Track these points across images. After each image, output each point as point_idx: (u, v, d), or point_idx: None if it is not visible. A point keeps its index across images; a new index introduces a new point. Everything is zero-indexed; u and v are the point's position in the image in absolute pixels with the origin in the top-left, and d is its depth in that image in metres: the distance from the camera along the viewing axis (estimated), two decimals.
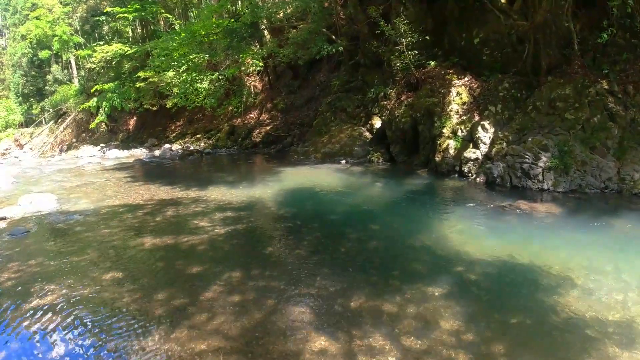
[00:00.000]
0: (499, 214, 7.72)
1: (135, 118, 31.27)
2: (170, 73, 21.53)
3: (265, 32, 22.35)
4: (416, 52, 13.45)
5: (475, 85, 12.17)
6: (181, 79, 21.07)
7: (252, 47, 21.01)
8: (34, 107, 37.56)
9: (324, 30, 16.89)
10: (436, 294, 4.85)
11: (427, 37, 13.47)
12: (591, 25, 10.40)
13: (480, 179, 10.18)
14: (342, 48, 16.49)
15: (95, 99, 28.00)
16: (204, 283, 5.50)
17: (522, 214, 7.60)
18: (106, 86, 27.15)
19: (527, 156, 9.35)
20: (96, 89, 27.44)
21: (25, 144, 33.55)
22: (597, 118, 9.35)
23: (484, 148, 10.61)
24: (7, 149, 32.48)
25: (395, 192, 10.42)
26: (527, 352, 3.74)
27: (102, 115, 28.28)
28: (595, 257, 5.67)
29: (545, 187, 8.99)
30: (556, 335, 3.95)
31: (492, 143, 10.46)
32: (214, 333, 4.29)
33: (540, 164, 9.16)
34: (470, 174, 10.53)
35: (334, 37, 16.96)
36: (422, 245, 6.50)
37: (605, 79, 9.76)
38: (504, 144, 10.09)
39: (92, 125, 29.64)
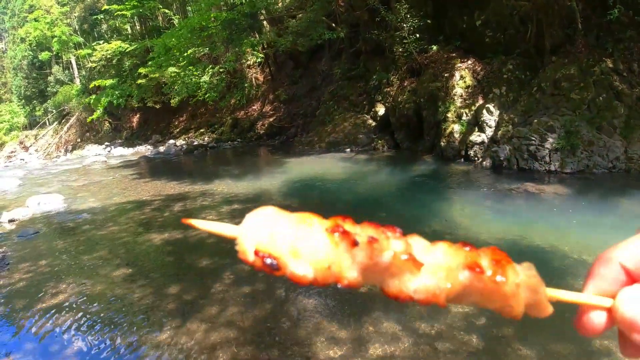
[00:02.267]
0: (506, 197, 7.68)
1: (138, 115, 31.33)
2: (172, 69, 21.51)
3: (265, 22, 22.20)
4: (417, 36, 13.32)
5: (478, 68, 12.05)
6: (182, 73, 21.04)
7: (252, 39, 20.90)
8: (37, 109, 37.70)
9: (323, 18, 16.75)
10: None
11: (429, 21, 13.34)
12: (594, 3, 10.23)
13: (487, 163, 10.11)
14: (342, 36, 16.36)
15: (94, 96, 28.01)
16: (213, 276, 5.53)
17: (529, 196, 7.56)
18: (106, 82, 27.12)
19: (533, 138, 9.27)
20: (94, 84, 27.39)
21: (30, 146, 33.74)
22: (602, 97, 9.23)
23: (489, 131, 10.53)
24: (12, 152, 32.70)
25: (401, 178, 10.39)
26: (539, 334, 3.73)
27: (99, 111, 28.21)
28: (604, 238, 5.63)
29: (553, 168, 8.93)
30: (568, 316, 3.92)
31: (498, 126, 10.38)
32: (226, 325, 4.31)
33: (547, 145, 9.08)
34: (476, 158, 10.47)
35: (334, 25, 16.83)
36: (431, 231, 6.48)
37: (610, 58, 9.62)
38: (510, 126, 10.00)
39: (89, 120, 29.60)
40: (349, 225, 0.49)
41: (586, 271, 0.54)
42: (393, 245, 0.48)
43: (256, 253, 0.47)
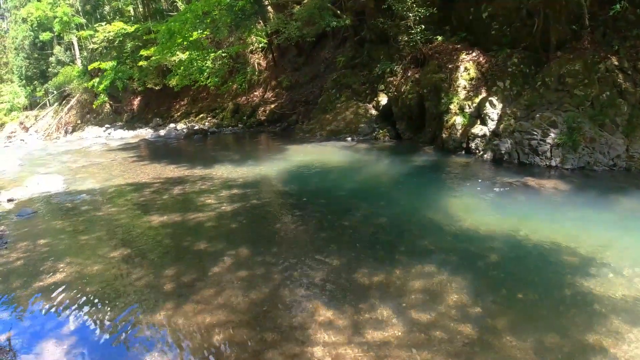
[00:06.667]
0: (506, 190, 7.68)
1: (139, 98, 31.15)
2: (179, 54, 21.33)
3: (269, 7, 21.98)
4: (423, 27, 13.19)
5: (483, 61, 11.96)
6: (185, 58, 20.90)
7: (256, 24, 20.70)
8: (38, 89, 37.36)
9: (329, 5, 16.57)
10: (442, 268, 4.86)
11: (435, 12, 13.19)
12: (601, 0, 10.13)
13: (488, 156, 10.09)
14: (347, 23, 16.21)
15: (97, 79, 27.79)
16: (211, 259, 5.55)
17: (529, 190, 7.56)
18: (106, 64, 26.86)
19: (535, 133, 9.24)
20: (94, 66, 27.11)
21: (31, 126, 33.51)
22: (606, 95, 9.18)
23: (491, 124, 10.49)
24: (12, 132, 32.50)
25: (401, 168, 10.37)
26: (532, 326, 3.75)
27: (102, 96, 28.06)
28: (602, 234, 5.64)
29: (553, 163, 8.91)
30: (562, 310, 3.96)
31: (500, 119, 10.33)
32: (223, 307, 4.34)
33: (549, 140, 9.06)
34: (477, 151, 10.44)
35: (339, 12, 16.66)
36: (429, 221, 6.49)
37: (615, 55, 9.54)
38: (512, 120, 9.96)
39: (94, 105, 29.46)
40: None
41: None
42: None
43: None
